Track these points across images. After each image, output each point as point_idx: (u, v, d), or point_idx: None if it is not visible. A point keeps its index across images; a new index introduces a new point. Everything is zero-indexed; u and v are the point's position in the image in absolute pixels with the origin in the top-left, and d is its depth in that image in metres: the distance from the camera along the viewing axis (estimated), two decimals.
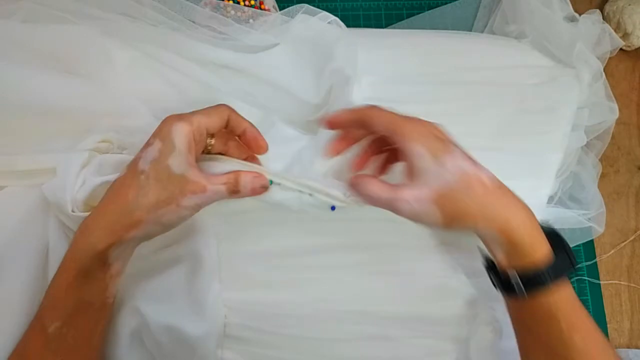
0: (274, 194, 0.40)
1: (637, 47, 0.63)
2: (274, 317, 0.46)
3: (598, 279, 0.59)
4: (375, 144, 0.43)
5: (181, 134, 0.37)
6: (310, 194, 0.40)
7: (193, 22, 0.49)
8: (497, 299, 0.44)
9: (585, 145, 0.56)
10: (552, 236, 0.40)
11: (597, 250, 0.60)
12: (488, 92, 0.54)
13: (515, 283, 0.38)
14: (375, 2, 0.64)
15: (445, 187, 0.37)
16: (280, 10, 0.59)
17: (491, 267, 0.41)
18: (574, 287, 0.58)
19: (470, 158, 0.39)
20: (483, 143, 0.52)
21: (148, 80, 0.47)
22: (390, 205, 0.38)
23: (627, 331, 0.59)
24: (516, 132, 0.53)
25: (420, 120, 0.39)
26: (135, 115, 0.46)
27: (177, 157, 0.36)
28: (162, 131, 0.37)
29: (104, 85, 0.45)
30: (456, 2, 0.64)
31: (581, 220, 0.54)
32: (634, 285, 0.60)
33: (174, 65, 0.48)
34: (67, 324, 0.38)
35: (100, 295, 0.39)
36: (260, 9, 0.56)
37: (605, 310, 0.58)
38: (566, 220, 0.54)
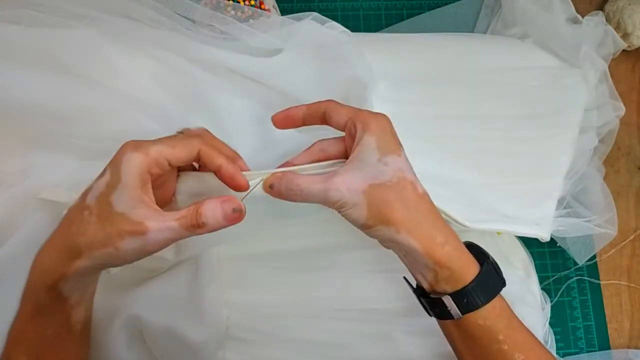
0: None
1: (637, 47, 0.63)
2: (275, 318, 0.46)
3: (598, 279, 0.59)
4: (322, 152, 0.40)
5: (132, 165, 0.32)
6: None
7: (193, 21, 0.49)
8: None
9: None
10: (478, 254, 0.39)
11: (597, 251, 0.60)
12: (496, 95, 0.53)
13: (450, 307, 0.37)
14: (375, 2, 0.64)
15: (379, 182, 0.35)
16: (280, 10, 0.59)
17: (421, 293, 0.39)
18: (574, 287, 0.58)
19: (411, 167, 0.38)
20: (493, 146, 0.51)
21: (150, 84, 0.47)
22: (323, 197, 0.35)
23: (627, 331, 0.59)
24: (525, 135, 0.52)
25: (383, 115, 0.38)
26: (134, 120, 0.45)
27: (121, 192, 0.32)
28: (113, 160, 0.33)
29: (105, 88, 0.45)
30: (457, 2, 0.63)
31: (591, 227, 0.53)
32: (634, 285, 0.59)
33: (176, 67, 0.47)
34: (34, 359, 0.35)
35: (63, 327, 0.36)
36: (260, 8, 0.55)
37: (605, 310, 0.58)
38: (576, 228, 0.53)
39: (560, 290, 0.58)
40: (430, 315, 0.40)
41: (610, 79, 0.56)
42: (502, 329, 0.37)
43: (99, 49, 0.45)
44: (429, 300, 0.39)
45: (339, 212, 0.37)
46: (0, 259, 0.42)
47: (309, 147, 0.40)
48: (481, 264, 0.38)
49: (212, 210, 0.33)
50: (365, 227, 0.36)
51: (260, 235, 0.47)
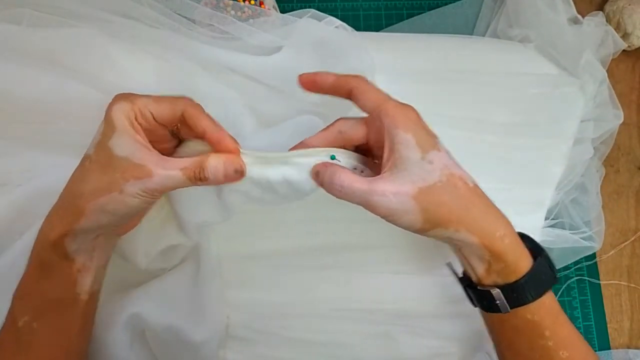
0: (256, 170, 0.36)
1: (637, 47, 0.63)
2: (276, 317, 0.46)
3: (598, 279, 0.59)
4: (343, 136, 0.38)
5: (120, 112, 0.33)
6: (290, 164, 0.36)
7: (194, 21, 0.49)
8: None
9: None
10: (532, 246, 0.38)
11: (597, 251, 0.60)
12: (493, 98, 0.53)
13: (499, 301, 0.36)
14: (375, 2, 0.64)
15: (429, 184, 0.34)
16: (280, 10, 0.59)
17: (468, 283, 0.39)
18: (574, 287, 0.58)
19: (454, 159, 0.37)
20: (487, 150, 0.51)
21: (150, 82, 0.47)
22: (364, 200, 0.34)
23: (627, 331, 0.59)
24: (519, 142, 0.52)
25: (411, 107, 0.36)
26: None
27: (119, 137, 0.33)
28: (107, 111, 0.34)
29: (106, 86, 0.45)
30: (457, 2, 0.63)
31: (577, 239, 0.53)
32: (634, 285, 0.60)
33: (176, 66, 0.47)
34: (37, 319, 0.35)
35: (68, 292, 0.36)
36: (260, 8, 0.55)
37: (605, 310, 0.58)
38: (563, 239, 0.53)
39: (560, 290, 0.58)
40: (475, 306, 0.39)
41: (611, 88, 0.55)
42: (549, 324, 0.36)
43: (99, 47, 0.45)
44: (476, 291, 0.38)
45: (387, 220, 0.35)
46: (6, 260, 0.41)
47: (327, 127, 0.38)
48: (534, 257, 0.37)
49: (215, 166, 0.34)
50: (421, 231, 0.35)
51: (261, 234, 0.47)
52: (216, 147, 0.35)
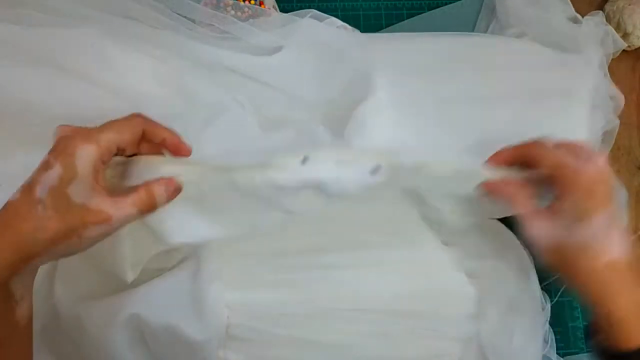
0: (311, 171, 0.37)
1: (637, 47, 0.63)
2: (276, 317, 0.46)
3: None
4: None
5: (86, 158, 0.33)
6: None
7: (194, 21, 0.49)
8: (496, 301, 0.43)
9: None
10: None
11: None
12: (501, 77, 0.52)
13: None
14: (375, 2, 0.64)
15: (565, 243, 0.37)
16: (280, 9, 0.59)
17: (588, 333, 0.41)
18: None
19: (618, 225, 0.38)
20: (501, 128, 0.50)
21: (150, 82, 0.47)
22: (522, 217, 0.39)
23: None
24: (533, 117, 0.51)
25: (595, 164, 0.38)
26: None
27: (79, 184, 0.32)
28: (63, 152, 0.33)
29: (105, 87, 0.45)
30: (457, 2, 0.63)
31: None
32: None
33: (176, 67, 0.47)
34: None
35: (9, 324, 0.35)
36: (260, 7, 0.55)
37: None
38: None
39: (560, 290, 0.58)
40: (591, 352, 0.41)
41: (608, 73, 0.55)
42: None
43: (99, 48, 0.45)
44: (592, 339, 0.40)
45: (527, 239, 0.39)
46: None
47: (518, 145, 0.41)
48: None
49: (161, 192, 0.35)
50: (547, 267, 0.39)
51: (262, 234, 0.47)
52: (173, 151, 0.38)
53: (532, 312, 0.51)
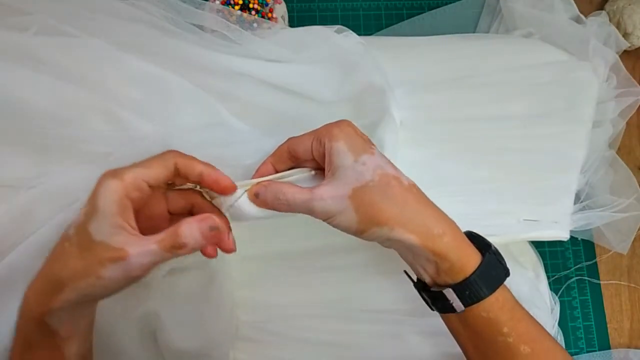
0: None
1: (637, 46, 0.63)
2: (286, 318, 0.46)
3: (598, 279, 0.59)
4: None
5: (108, 193, 0.32)
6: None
7: (201, 28, 0.49)
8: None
9: None
10: (478, 242, 0.38)
11: (597, 250, 0.60)
12: (510, 94, 0.53)
13: (453, 300, 0.36)
14: (375, 2, 0.64)
15: (362, 184, 0.35)
16: (288, 19, 0.58)
17: (422, 287, 0.39)
18: (574, 287, 0.58)
19: (389, 161, 0.38)
20: (513, 145, 0.51)
21: (159, 92, 0.46)
22: (307, 208, 0.36)
23: (627, 331, 0.59)
24: (539, 132, 0.52)
25: (344, 120, 0.38)
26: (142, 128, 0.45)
27: (99, 220, 0.32)
28: (93, 190, 0.33)
29: (113, 94, 0.45)
30: (457, 2, 0.63)
31: (611, 214, 0.53)
32: (634, 285, 0.59)
33: (184, 74, 0.47)
34: None
35: None
36: (269, 17, 0.55)
37: (605, 310, 0.58)
38: (600, 218, 0.53)
39: (560, 290, 0.58)
40: (432, 309, 0.40)
41: (623, 67, 0.55)
42: (506, 320, 0.37)
43: (106, 56, 0.45)
44: (431, 293, 0.38)
45: (329, 223, 0.36)
46: (10, 262, 0.41)
47: (276, 150, 0.40)
48: (483, 254, 0.37)
49: (189, 230, 0.33)
50: (358, 232, 0.36)
51: (271, 236, 0.47)
52: (214, 187, 0.36)
53: (542, 313, 0.50)
